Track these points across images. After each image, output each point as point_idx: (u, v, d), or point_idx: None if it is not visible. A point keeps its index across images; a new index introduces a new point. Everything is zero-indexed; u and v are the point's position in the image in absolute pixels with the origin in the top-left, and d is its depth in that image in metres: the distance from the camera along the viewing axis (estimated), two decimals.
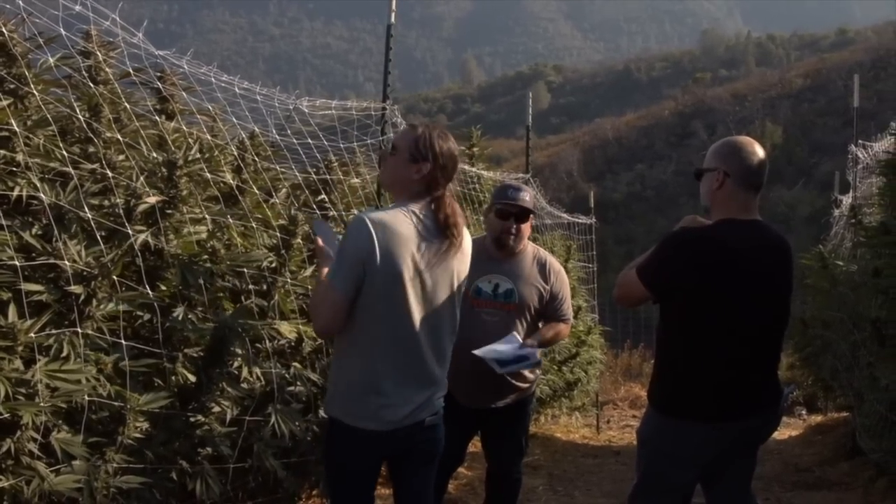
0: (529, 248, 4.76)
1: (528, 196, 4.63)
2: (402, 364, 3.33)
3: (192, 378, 3.93)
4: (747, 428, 3.66)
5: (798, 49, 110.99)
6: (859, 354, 6.32)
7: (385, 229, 3.20)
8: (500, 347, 4.40)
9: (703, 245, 3.53)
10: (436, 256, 3.31)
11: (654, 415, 3.75)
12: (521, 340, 4.49)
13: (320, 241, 3.50)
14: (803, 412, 12.07)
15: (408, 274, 3.24)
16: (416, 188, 3.35)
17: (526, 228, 4.66)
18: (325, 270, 3.35)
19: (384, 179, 3.68)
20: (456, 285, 3.46)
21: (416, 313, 3.31)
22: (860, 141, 10.15)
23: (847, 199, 10.77)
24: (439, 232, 3.32)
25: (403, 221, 3.26)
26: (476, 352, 4.32)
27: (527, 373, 4.70)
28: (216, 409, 3.99)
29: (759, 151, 3.61)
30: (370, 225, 3.18)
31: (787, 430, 10.42)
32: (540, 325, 4.72)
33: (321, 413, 4.30)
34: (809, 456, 8.61)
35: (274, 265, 4.42)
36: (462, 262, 3.48)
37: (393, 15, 5.79)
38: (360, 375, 3.32)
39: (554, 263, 4.80)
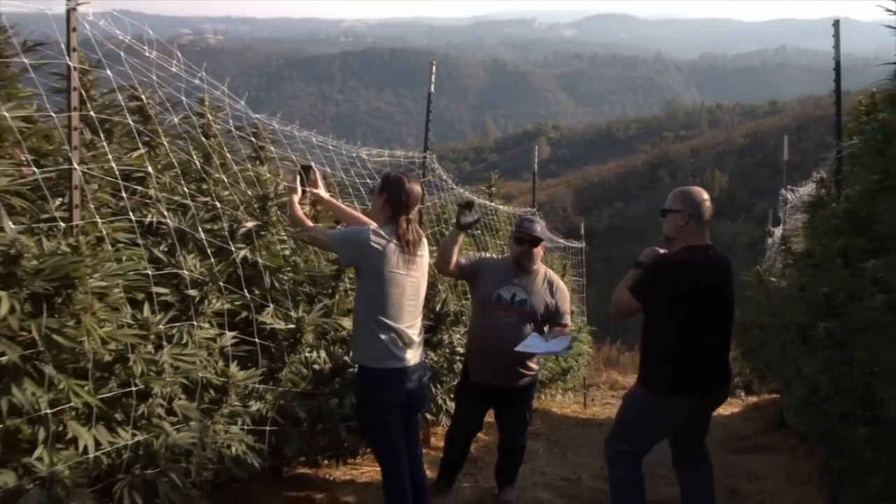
0: (542, 270, 4.75)
1: (538, 227, 4.65)
2: (397, 333, 3.63)
3: (278, 360, 3.98)
4: (709, 399, 3.91)
5: (740, 115, 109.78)
6: (787, 350, 6.26)
7: (379, 239, 3.59)
8: (531, 341, 4.42)
9: (678, 269, 3.79)
10: (406, 261, 3.65)
11: (643, 389, 3.93)
12: (540, 338, 4.50)
13: (297, 181, 3.97)
14: (742, 394, 11.96)
15: (391, 271, 3.60)
16: (385, 215, 3.69)
17: (538, 252, 4.66)
18: (295, 206, 3.85)
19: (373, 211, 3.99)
20: (424, 279, 3.82)
21: (403, 298, 3.65)
22: (788, 186, 10.26)
23: (778, 231, 10.74)
24: (403, 246, 3.64)
25: (388, 238, 3.61)
26: (516, 348, 4.35)
27: (532, 363, 4.70)
28: (295, 384, 4.04)
29: (707, 197, 3.90)
30: (371, 234, 3.59)
31: (730, 408, 10.26)
32: (545, 328, 4.72)
33: None
34: (747, 427, 8.53)
35: (336, 274, 4.48)
36: (426, 263, 3.86)
37: (432, 86, 5.95)
38: (376, 338, 3.61)
39: (560, 283, 4.78)
